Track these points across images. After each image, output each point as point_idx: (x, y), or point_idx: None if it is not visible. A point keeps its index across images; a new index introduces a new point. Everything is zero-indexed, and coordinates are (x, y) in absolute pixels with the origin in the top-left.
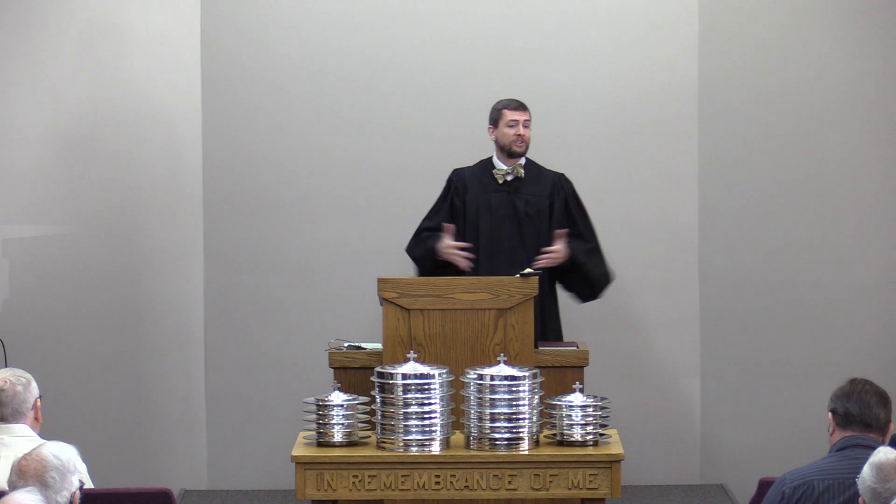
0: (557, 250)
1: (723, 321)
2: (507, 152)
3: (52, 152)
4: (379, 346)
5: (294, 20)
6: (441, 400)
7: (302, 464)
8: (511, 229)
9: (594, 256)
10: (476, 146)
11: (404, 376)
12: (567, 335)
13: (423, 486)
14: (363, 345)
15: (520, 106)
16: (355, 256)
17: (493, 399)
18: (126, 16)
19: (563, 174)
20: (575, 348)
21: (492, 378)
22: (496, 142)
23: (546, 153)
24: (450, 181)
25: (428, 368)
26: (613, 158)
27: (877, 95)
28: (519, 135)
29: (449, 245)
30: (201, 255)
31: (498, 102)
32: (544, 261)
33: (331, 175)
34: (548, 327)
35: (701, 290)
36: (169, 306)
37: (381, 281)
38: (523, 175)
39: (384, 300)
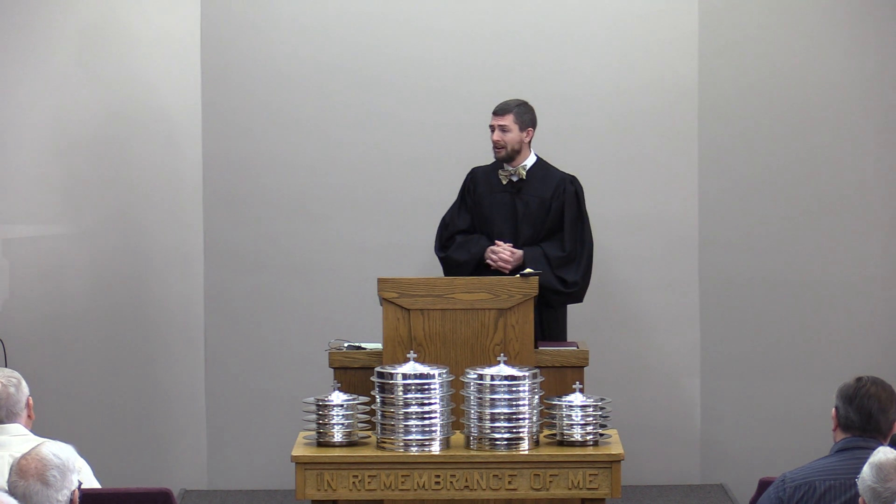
0: (507, 254)
1: (723, 321)
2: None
3: (53, 152)
4: (379, 346)
5: (294, 19)
6: (441, 400)
7: (302, 464)
8: (510, 230)
9: (555, 266)
10: (477, 145)
11: (404, 376)
12: (568, 335)
13: (423, 486)
14: (363, 345)
15: (496, 111)
16: (355, 256)
17: (493, 399)
18: (126, 16)
19: (572, 176)
20: (575, 348)
21: (492, 378)
22: None
23: (546, 152)
24: (466, 179)
25: (428, 368)
26: (613, 157)
27: (877, 95)
28: (494, 140)
29: (497, 249)
30: (201, 255)
31: None
32: (494, 265)
33: (331, 174)
34: (553, 328)
35: (701, 290)
36: (169, 306)
37: (381, 281)
38: (525, 177)
39: (384, 300)
